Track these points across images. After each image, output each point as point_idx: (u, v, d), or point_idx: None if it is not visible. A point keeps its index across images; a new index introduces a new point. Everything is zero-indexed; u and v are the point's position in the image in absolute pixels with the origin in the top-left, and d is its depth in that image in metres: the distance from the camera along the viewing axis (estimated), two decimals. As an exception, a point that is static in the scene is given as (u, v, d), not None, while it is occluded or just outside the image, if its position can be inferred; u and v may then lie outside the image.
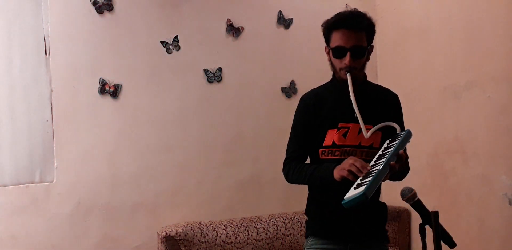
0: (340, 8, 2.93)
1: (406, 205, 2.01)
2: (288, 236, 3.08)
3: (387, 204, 2.06)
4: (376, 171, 1.59)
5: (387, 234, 2.01)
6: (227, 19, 3.21)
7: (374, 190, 1.55)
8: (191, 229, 2.84)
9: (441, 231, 1.53)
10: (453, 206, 2.95)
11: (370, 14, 1.91)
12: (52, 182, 2.78)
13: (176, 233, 2.77)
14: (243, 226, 3.01)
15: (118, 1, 2.94)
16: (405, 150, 1.77)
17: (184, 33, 3.09)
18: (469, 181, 2.87)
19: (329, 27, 1.88)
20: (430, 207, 1.58)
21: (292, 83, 3.37)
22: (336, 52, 1.85)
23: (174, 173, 3.05)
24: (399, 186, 1.68)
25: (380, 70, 3.57)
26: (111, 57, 2.92)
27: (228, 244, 2.91)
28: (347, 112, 1.89)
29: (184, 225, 2.86)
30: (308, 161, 2.00)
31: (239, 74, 3.24)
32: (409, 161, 1.81)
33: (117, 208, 2.91)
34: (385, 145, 1.83)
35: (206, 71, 3.14)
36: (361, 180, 1.61)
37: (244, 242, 2.96)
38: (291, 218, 3.14)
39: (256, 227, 3.02)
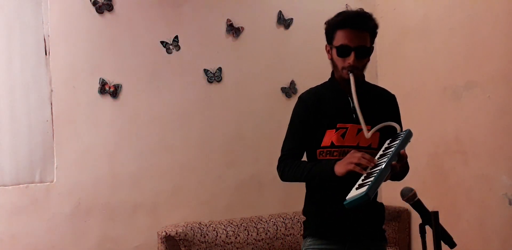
0: (340, 8, 2.93)
1: (406, 205, 2.01)
2: (288, 236, 3.08)
3: (387, 204, 2.06)
4: (378, 171, 1.59)
5: (385, 234, 2.01)
6: (227, 19, 3.20)
7: (376, 190, 1.55)
8: (191, 229, 2.84)
9: (441, 231, 1.53)
10: (453, 206, 2.95)
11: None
12: (52, 182, 2.78)
13: (176, 233, 2.77)
14: (243, 226, 3.01)
15: (118, 1, 2.94)
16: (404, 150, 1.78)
17: (184, 33, 3.08)
18: (469, 181, 2.87)
19: (333, 26, 1.87)
20: (430, 207, 1.58)
21: (292, 83, 3.37)
22: (340, 51, 1.85)
23: (174, 173, 3.05)
24: (399, 186, 1.68)
25: (380, 70, 3.57)
26: (111, 57, 2.92)
27: (228, 244, 2.91)
28: (346, 113, 1.89)
29: (184, 225, 2.86)
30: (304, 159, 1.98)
31: (239, 74, 3.24)
32: (409, 161, 1.81)
33: (117, 208, 2.90)
34: (385, 145, 1.83)
35: (206, 71, 3.14)
36: (362, 180, 1.61)
37: (244, 242, 2.96)
38: (291, 218, 3.14)
39: (256, 227, 3.02)
